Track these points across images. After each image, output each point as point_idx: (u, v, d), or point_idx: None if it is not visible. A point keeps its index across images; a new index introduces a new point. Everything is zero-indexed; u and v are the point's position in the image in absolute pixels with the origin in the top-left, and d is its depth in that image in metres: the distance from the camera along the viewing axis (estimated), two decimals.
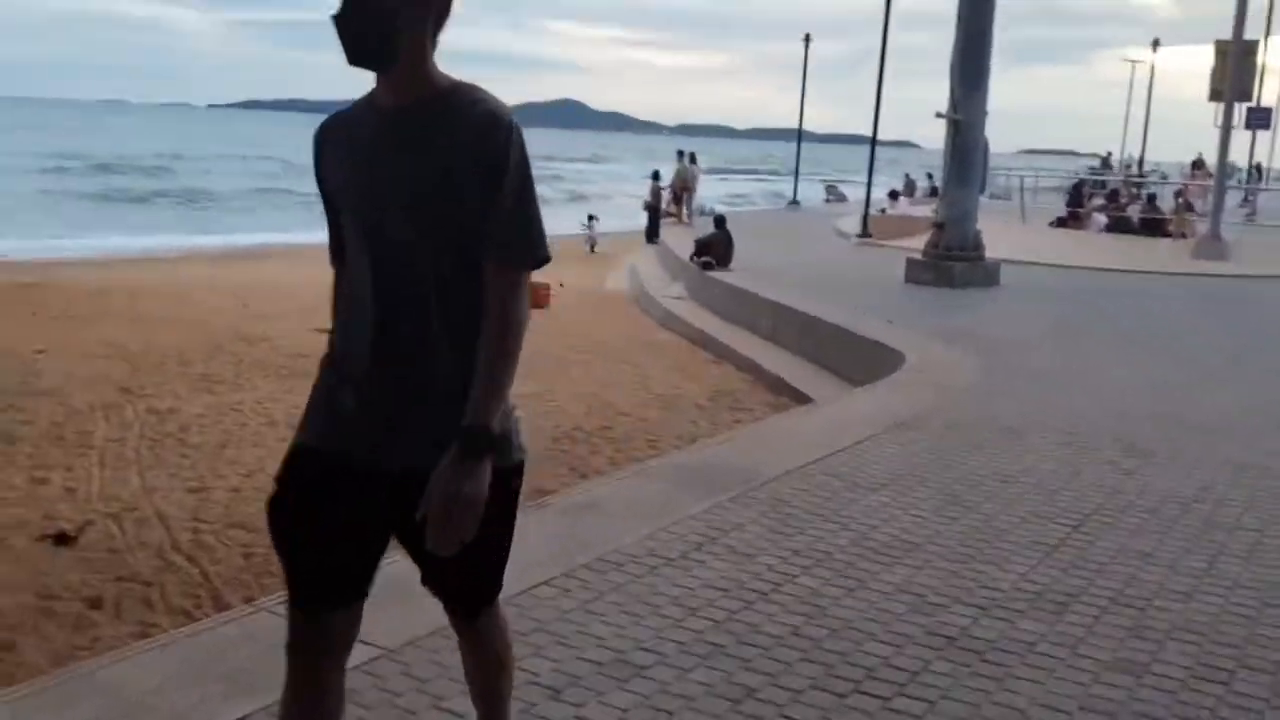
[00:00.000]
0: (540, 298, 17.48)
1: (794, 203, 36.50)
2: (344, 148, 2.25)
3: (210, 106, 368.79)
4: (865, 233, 23.27)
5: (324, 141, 2.30)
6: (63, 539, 6.03)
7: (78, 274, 20.15)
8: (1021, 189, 29.66)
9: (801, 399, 9.97)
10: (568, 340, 13.46)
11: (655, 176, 27.37)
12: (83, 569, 5.64)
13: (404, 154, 2.14)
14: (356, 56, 2.14)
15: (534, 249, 2.19)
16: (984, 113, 15.22)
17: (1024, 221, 25.95)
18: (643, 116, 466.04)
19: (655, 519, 4.87)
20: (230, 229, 35.30)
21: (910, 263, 15.43)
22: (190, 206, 41.97)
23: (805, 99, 35.23)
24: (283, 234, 32.15)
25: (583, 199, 56.06)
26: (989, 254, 15.37)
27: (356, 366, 2.23)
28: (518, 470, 2.30)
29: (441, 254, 2.16)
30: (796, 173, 37.78)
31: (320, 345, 2.39)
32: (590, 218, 34.32)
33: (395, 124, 2.17)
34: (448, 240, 2.16)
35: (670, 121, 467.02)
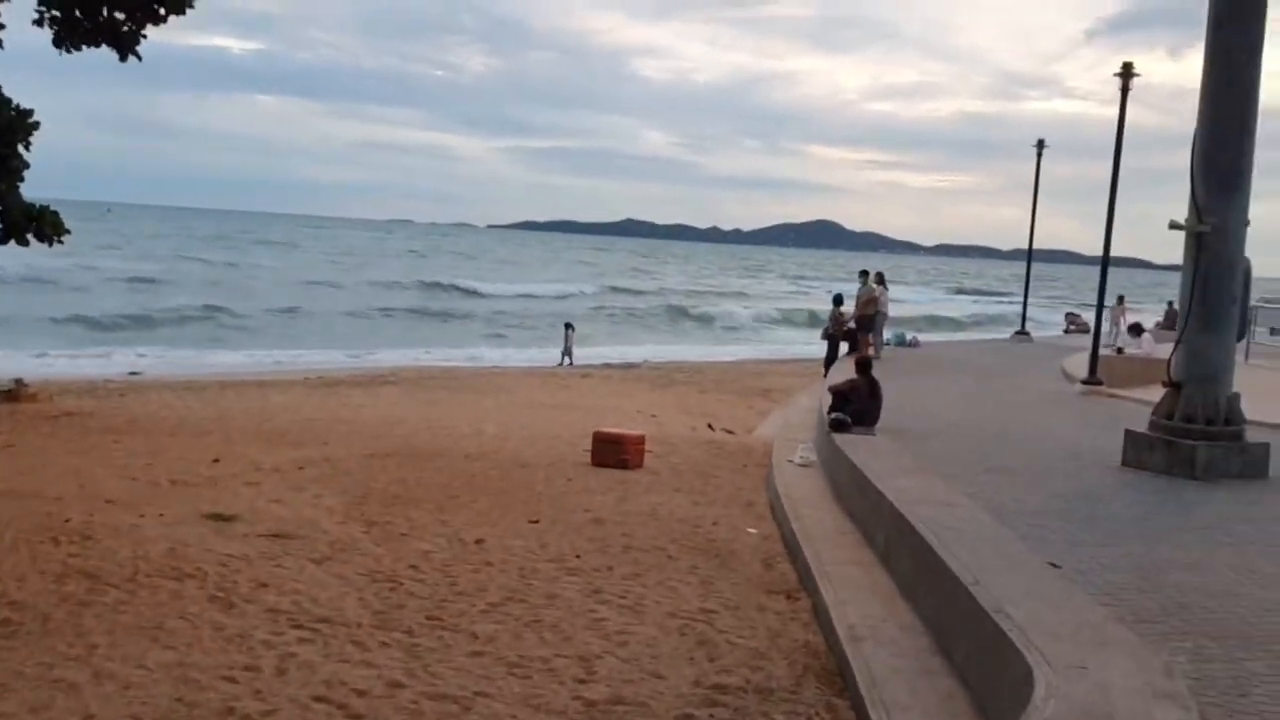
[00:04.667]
0: (632, 454, 13.27)
1: (1022, 333, 31.04)
2: None
3: (490, 226, 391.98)
4: (1093, 378, 18.20)
5: None
6: None
7: (160, 401, 17.79)
8: None
9: None
10: (595, 536, 9.35)
11: (837, 301, 22.78)
12: None
13: None
14: None
15: None
16: (1244, 223, 10.34)
17: None
18: (899, 237, 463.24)
19: None
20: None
21: (1132, 437, 10.62)
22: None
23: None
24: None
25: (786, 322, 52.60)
26: (1254, 431, 10.39)
27: None
28: None
29: None
30: (1025, 300, 32.30)
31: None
32: (568, 326, 30.55)
33: None
34: None
35: (928, 241, 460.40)
